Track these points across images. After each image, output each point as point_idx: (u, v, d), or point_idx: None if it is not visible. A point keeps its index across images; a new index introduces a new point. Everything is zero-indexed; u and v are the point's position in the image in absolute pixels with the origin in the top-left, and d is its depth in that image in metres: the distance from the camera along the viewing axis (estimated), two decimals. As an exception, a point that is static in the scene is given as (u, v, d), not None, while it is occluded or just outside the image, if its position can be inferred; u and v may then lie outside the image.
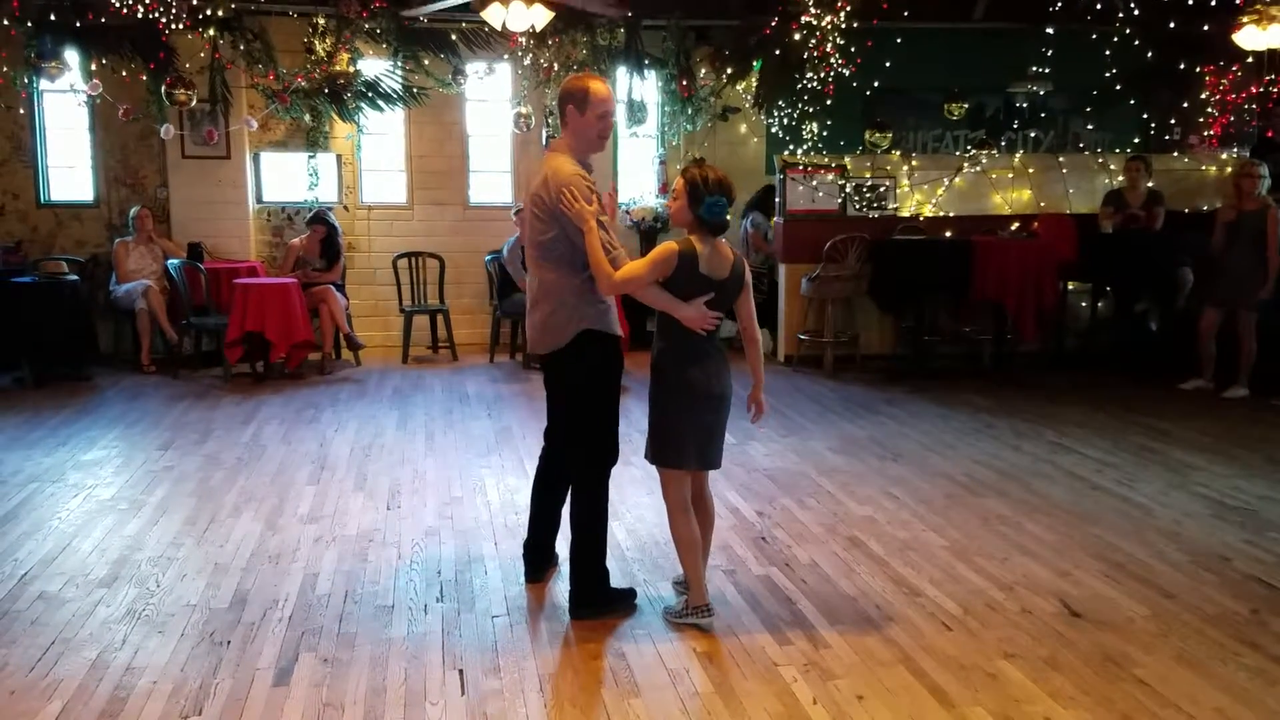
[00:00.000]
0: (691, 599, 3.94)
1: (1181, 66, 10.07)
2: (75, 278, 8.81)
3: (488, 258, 9.99)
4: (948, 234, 9.29)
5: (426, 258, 10.16)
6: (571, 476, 4.11)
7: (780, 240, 9.61)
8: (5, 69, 8.83)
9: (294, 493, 5.63)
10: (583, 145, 4.00)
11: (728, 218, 3.81)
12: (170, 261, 9.16)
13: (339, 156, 10.21)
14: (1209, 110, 10.47)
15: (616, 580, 4.22)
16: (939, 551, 4.73)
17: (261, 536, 4.92)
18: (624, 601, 4.13)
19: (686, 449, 3.87)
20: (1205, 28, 9.16)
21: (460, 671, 3.56)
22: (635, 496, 5.53)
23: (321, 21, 9.32)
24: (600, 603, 4.06)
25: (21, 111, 9.58)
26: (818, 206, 9.50)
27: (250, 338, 8.57)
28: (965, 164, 9.95)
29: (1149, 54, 9.90)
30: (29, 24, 8.73)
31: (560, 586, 4.30)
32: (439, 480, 5.89)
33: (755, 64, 9.75)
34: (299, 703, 3.34)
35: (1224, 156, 10.18)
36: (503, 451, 6.49)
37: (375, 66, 9.73)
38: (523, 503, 5.39)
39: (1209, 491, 5.62)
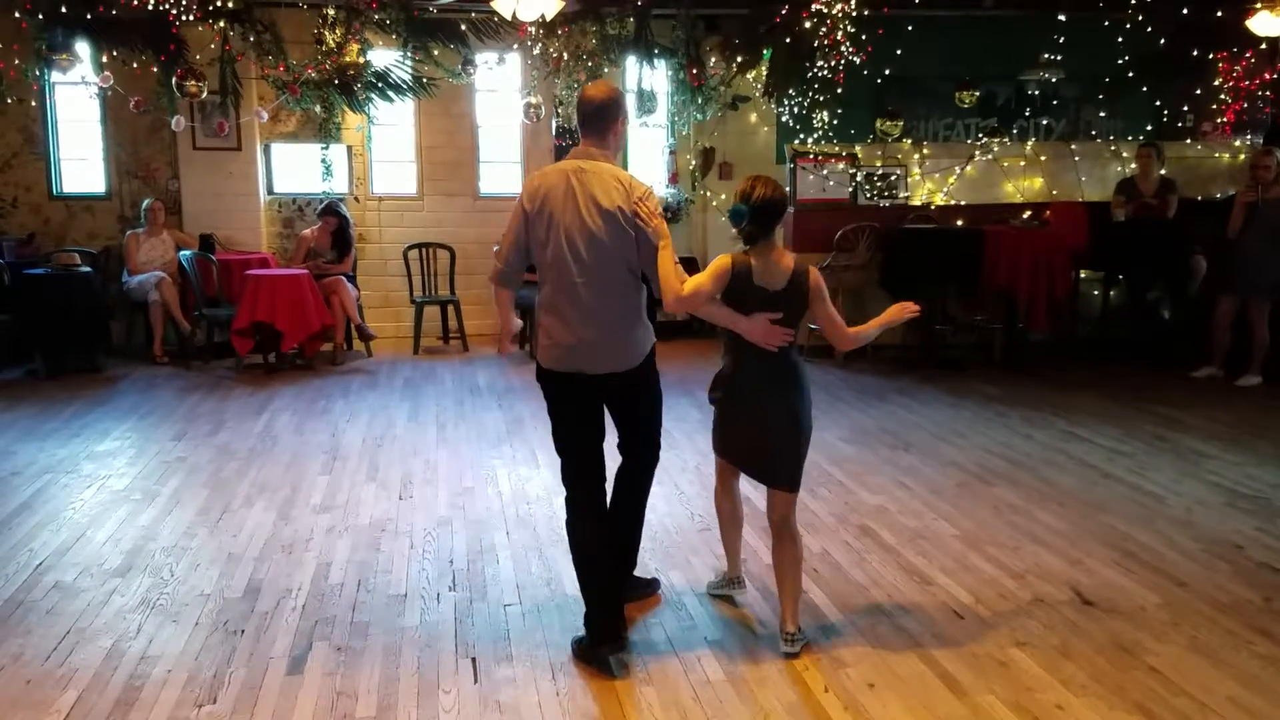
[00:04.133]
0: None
1: (1194, 53, 10.00)
2: (88, 270, 8.83)
3: (496, 248, 10.00)
4: (959, 223, 9.26)
5: (437, 248, 10.18)
6: (644, 474, 3.96)
7: (791, 230, 9.59)
8: (17, 62, 8.84)
9: (306, 483, 5.65)
10: (615, 154, 3.85)
11: (740, 225, 3.60)
12: (182, 253, 9.19)
13: (349, 148, 10.22)
14: (1222, 97, 10.40)
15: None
16: (950, 540, 4.73)
17: (274, 526, 4.94)
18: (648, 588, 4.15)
19: (722, 438, 3.91)
20: (1218, 14, 9.10)
21: (473, 660, 3.58)
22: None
23: (331, 12, 9.31)
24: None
25: (33, 104, 9.62)
26: (828, 196, 9.49)
27: (260, 328, 8.60)
28: (977, 152, 9.91)
29: (1161, 40, 9.83)
30: (40, 17, 8.74)
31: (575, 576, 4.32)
32: (451, 470, 5.91)
33: (765, 53, 9.71)
34: (313, 691, 3.36)
35: (1237, 144, 10.13)
36: (514, 442, 6.50)
37: (385, 57, 9.72)
38: (534, 493, 5.44)
39: (1221, 480, 5.60)
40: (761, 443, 3.73)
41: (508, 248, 3.84)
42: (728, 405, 3.78)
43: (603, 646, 3.56)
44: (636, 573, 4.15)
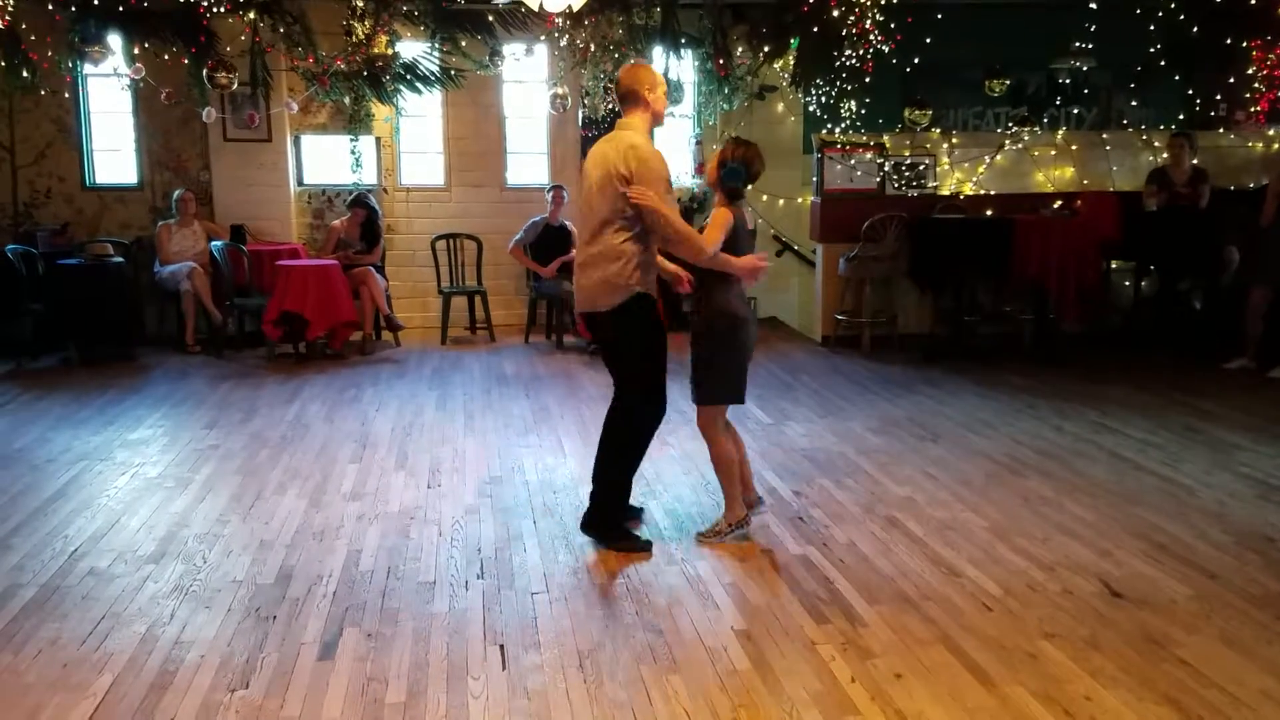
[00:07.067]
0: (730, 517, 4.58)
1: (1227, 41, 9.87)
2: (121, 259, 8.93)
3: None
4: (988, 212, 9.19)
5: (464, 239, 10.21)
6: (613, 414, 4.58)
7: (818, 219, 9.56)
8: (50, 53, 8.94)
9: (337, 471, 5.70)
10: (647, 125, 4.54)
11: (739, 185, 4.44)
12: (214, 243, 9.28)
13: (378, 139, 10.27)
14: (1255, 86, 10.27)
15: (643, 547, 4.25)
16: (978, 531, 4.72)
17: (306, 514, 4.99)
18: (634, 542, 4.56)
19: (741, 385, 4.56)
20: (1252, 0, 8.98)
21: (501, 647, 3.60)
22: (672, 475, 5.55)
23: (360, 4, 9.34)
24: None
25: (66, 96, 9.73)
26: (856, 185, 9.44)
27: (290, 318, 8.67)
28: (1006, 141, 9.84)
29: (1194, 28, 9.72)
30: (72, 9, 8.84)
31: (602, 564, 4.35)
32: (478, 459, 5.94)
33: (793, 42, 9.67)
34: (344, 676, 3.39)
35: (1270, 133, 10.00)
36: (541, 431, 6.52)
37: (413, 49, 9.76)
38: (561, 482, 5.49)
39: (1253, 472, 5.55)
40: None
41: None
42: (745, 345, 4.52)
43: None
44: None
